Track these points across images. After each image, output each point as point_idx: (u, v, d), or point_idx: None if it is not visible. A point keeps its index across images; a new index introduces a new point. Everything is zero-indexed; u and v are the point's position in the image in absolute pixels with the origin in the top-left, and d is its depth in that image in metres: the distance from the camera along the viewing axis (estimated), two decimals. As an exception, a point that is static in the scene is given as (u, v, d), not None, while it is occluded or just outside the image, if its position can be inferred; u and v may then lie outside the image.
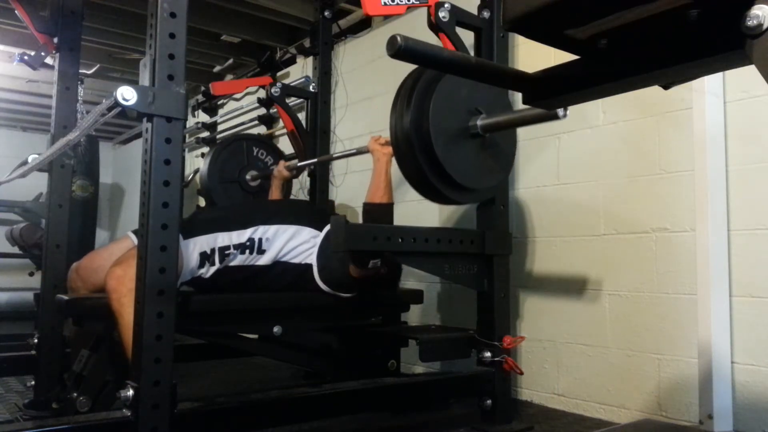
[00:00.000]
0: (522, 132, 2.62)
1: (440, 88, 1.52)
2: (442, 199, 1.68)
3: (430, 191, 1.61)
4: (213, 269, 2.10)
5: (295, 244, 2.24)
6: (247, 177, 3.19)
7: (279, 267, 2.21)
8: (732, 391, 1.93)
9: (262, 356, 2.71)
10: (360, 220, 3.32)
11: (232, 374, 3.17)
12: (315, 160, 3.19)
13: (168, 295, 1.50)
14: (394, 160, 2.02)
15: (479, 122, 1.53)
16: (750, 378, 1.91)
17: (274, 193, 2.93)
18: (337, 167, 3.63)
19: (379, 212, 2.26)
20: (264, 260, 2.19)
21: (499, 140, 1.66)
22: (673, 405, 2.06)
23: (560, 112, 1.24)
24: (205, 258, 2.08)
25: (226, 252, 2.11)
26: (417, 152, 1.51)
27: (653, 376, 2.12)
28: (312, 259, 2.24)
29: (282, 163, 2.98)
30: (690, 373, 2.01)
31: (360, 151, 2.54)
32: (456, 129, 1.53)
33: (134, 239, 2.16)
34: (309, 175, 3.39)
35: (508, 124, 1.61)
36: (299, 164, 3.06)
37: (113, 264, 1.92)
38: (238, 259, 2.14)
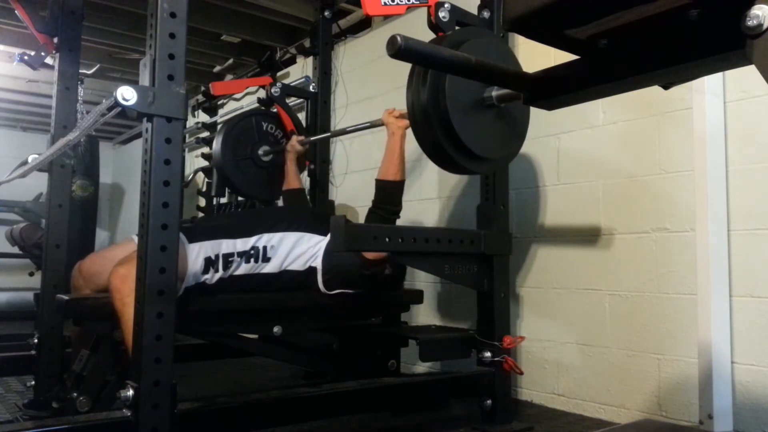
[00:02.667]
0: (522, 132, 2.62)
1: None
2: (459, 169, 1.77)
3: (447, 162, 1.68)
4: (217, 276, 2.08)
5: (300, 251, 2.24)
6: (260, 152, 3.18)
7: (287, 276, 2.21)
8: (732, 391, 1.93)
9: (262, 356, 2.70)
10: (361, 221, 3.33)
11: (232, 374, 3.17)
12: (328, 134, 3.23)
13: (168, 295, 1.50)
14: (407, 133, 2.05)
15: (494, 93, 1.59)
16: (750, 378, 1.91)
17: (290, 168, 2.94)
18: (337, 167, 3.64)
19: (391, 189, 2.31)
20: (269, 268, 2.18)
21: (513, 110, 1.73)
22: (673, 405, 2.06)
23: None
24: (210, 263, 2.07)
25: (230, 259, 2.10)
26: (435, 126, 1.57)
27: (653, 376, 2.12)
28: (317, 263, 2.24)
29: (295, 137, 3.00)
30: (690, 373, 2.01)
31: (374, 124, 2.54)
32: (471, 101, 1.59)
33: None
34: (309, 175, 3.39)
35: None
36: (312, 138, 3.07)
37: (117, 263, 1.92)
38: (243, 268, 2.13)
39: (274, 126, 3.27)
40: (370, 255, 2.19)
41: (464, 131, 1.57)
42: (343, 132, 3.18)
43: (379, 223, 2.31)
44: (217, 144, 3.15)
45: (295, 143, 2.95)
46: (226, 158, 3.10)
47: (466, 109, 1.57)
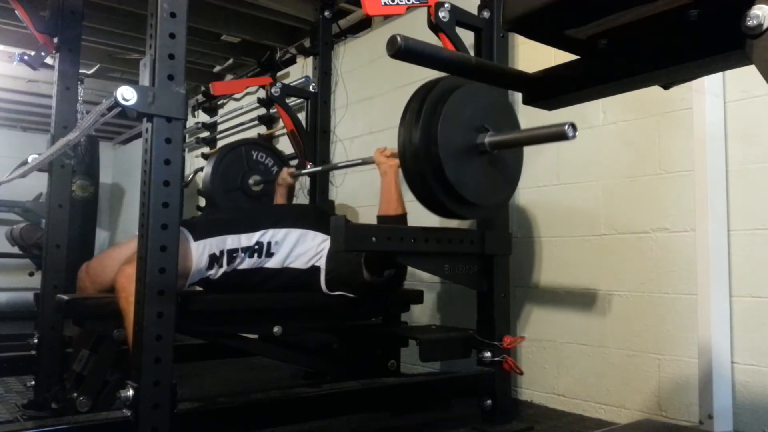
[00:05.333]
0: (522, 132, 2.62)
1: (447, 107, 1.55)
2: (450, 215, 1.73)
3: (438, 208, 1.66)
4: (221, 271, 2.10)
5: (303, 248, 2.24)
6: (250, 182, 3.18)
7: (288, 273, 2.21)
8: (732, 391, 1.93)
9: (262, 356, 2.70)
10: (360, 220, 3.33)
11: (232, 374, 3.17)
12: (319, 168, 3.23)
13: (168, 295, 1.50)
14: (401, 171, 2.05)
15: (487, 140, 1.56)
16: (750, 378, 1.91)
17: (278, 200, 2.95)
18: (337, 167, 3.63)
19: (394, 224, 2.27)
20: (272, 263, 2.19)
21: (506, 156, 1.71)
22: (673, 405, 2.06)
23: (570, 132, 1.24)
24: (214, 260, 2.08)
25: (234, 254, 2.12)
26: (426, 171, 1.54)
27: (653, 376, 2.12)
28: (321, 263, 2.24)
29: (286, 170, 3.01)
30: (690, 373, 2.01)
31: (365, 162, 2.54)
32: (464, 147, 1.56)
33: None
34: (309, 175, 3.39)
35: (515, 143, 1.67)
36: (303, 172, 3.09)
37: (124, 263, 1.92)
38: (246, 263, 2.14)
39: (265, 155, 3.26)
40: (368, 278, 2.18)
41: (456, 177, 1.54)
42: (335, 167, 3.21)
43: None
44: (206, 174, 3.14)
45: (286, 176, 2.96)
46: (216, 189, 3.09)
47: (458, 155, 1.54)
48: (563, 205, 2.47)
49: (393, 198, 2.28)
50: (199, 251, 2.04)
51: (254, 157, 3.24)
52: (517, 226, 2.60)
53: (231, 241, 2.12)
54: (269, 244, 2.18)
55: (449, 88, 1.59)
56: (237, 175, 3.16)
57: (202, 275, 2.08)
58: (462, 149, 1.55)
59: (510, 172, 1.77)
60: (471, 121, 1.58)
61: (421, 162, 1.54)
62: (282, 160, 3.35)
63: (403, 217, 2.30)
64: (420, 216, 3.07)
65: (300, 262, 2.23)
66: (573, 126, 1.24)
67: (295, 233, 2.24)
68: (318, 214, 2.58)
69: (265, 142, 3.30)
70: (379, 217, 2.31)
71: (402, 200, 2.31)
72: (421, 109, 1.56)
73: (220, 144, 5.06)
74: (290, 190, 3.03)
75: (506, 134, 1.58)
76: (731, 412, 1.93)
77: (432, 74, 2.99)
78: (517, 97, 2.36)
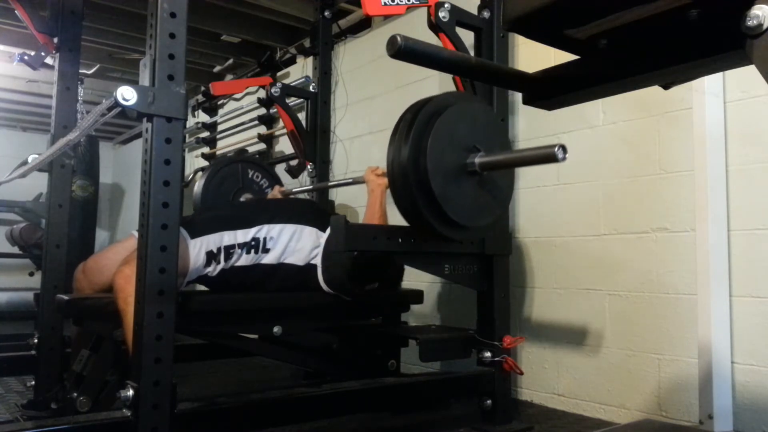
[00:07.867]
0: (522, 132, 2.62)
1: (439, 124, 1.51)
2: (437, 235, 1.67)
3: (424, 227, 1.61)
4: (219, 268, 2.11)
5: (299, 244, 2.25)
6: (241, 199, 3.15)
7: (284, 269, 2.22)
8: (732, 391, 1.93)
9: (262, 356, 2.70)
10: (360, 220, 3.33)
11: (232, 374, 3.17)
12: (310, 187, 3.29)
13: (168, 295, 1.50)
14: (388, 191, 2.05)
15: (477, 160, 1.53)
16: (750, 378, 1.91)
17: None
18: (337, 168, 3.63)
19: None
20: (268, 259, 2.20)
21: (496, 178, 1.66)
22: (673, 405, 2.06)
23: (559, 154, 1.25)
24: (212, 257, 2.09)
25: (231, 251, 2.13)
26: (413, 188, 1.51)
27: (653, 376, 2.12)
28: (317, 261, 2.25)
29: (277, 188, 3.04)
30: (690, 373, 2.01)
31: (356, 181, 2.59)
32: (453, 166, 1.53)
33: None
34: (309, 175, 3.39)
35: (506, 164, 1.61)
36: (295, 190, 3.11)
37: (121, 263, 1.92)
38: (243, 259, 2.15)
39: (261, 175, 3.25)
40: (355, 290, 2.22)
41: (443, 196, 1.51)
42: (325, 186, 3.25)
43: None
44: (198, 186, 3.10)
45: (276, 193, 2.98)
46: (205, 200, 3.04)
47: (447, 174, 1.51)
48: (563, 205, 2.47)
49: (376, 216, 2.32)
50: (196, 249, 2.05)
51: (250, 175, 3.22)
52: (517, 226, 2.60)
53: (228, 238, 2.13)
54: (265, 239, 2.19)
55: (440, 106, 1.57)
56: (230, 190, 3.13)
57: (200, 273, 2.09)
58: (451, 169, 1.52)
59: (500, 193, 1.71)
60: (462, 141, 1.55)
61: (409, 179, 1.51)
62: (276, 180, 3.34)
63: None
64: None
65: (296, 258, 2.24)
66: (563, 148, 1.25)
67: (290, 229, 2.25)
68: (315, 210, 2.59)
69: (263, 162, 3.28)
70: None
71: (385, 219, 2.34)
72: (414, 122, 1.53)
73: (220, 144, 5.07)
74: None
75: (496, 155, 1.54)
76: (731, 412, 1.93)
77: (432, 74, 3.00)
78: (517, 97, 2.36)
